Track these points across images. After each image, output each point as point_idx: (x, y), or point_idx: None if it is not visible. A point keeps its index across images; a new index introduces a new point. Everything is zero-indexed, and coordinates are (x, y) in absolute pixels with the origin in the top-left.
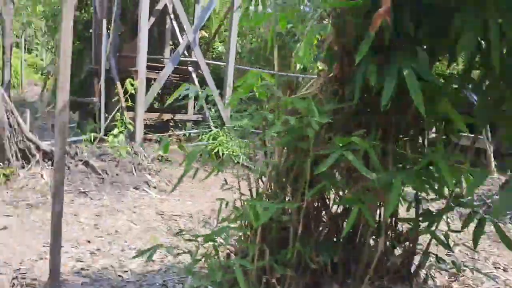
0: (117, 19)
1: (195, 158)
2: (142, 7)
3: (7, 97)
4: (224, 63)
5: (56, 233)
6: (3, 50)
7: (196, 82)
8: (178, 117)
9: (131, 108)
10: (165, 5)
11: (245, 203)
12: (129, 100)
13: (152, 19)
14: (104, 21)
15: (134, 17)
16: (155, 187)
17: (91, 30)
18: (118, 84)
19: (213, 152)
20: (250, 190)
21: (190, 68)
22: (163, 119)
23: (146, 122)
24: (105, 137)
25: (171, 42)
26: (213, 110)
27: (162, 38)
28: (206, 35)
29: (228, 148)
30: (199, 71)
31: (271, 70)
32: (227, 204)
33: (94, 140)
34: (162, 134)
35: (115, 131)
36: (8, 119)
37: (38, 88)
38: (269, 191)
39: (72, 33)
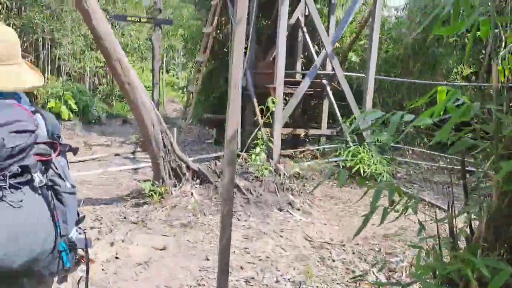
0: (254, 36)
1: (379, 197)
2: (280, 24)
3: (161, 118)
4: (360, 74)
5: (223, 269)
6: (153, 73)
7: (331, 96)
8: (312, 131)
9: (266, 124)
10: (298, 19)
11: (451, 253)
12: (266, 116)
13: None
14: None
15: (267, 33)
16: (298, 209)
17: (225, 49)
18: (255, 101)
19: (354, 170)
20: (452, 234)
21: (324, 81)
22: (294, 133)
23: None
24: (241, 153)
25: (301, 55)
26: (348, 123)
27: (294, 52)
28: (339, 45)
29: (370, 165)
30: (333, 83)
31: (408, 79)
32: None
33: None
34: (296, 150)
35: (257, 149)
36: (163, 139)
37: (176, 104)
38: (481, 240)
39: (241, 68)
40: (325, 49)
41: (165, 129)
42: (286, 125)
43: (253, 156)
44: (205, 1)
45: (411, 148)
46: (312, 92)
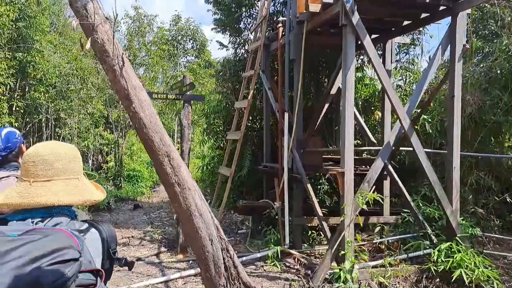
0: (300, 109)
1: None
2: (347, 94)
3: (221, 230)
4: (438, 151)
5: None
6: (182, 156)
7: (395, 175)
8: (372, 219)
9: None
10: (339, 89)
11: None
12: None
13: (326, 106)
14: (286, 114)
15: (307, 106)
16: None
17: (255, 124)
18: (309, 188)
19: (454, 277)
20: None
21: None
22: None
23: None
24: (294, 252)
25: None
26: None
27: (333, 125)
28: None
29: (474, 270)
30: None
31: (467, 151)
32: None
33: (280, 255)
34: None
35: (347, 264)
36: (224, 260)
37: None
38: None
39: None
40: (401, 123)
41: (227, 245)
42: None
43: (342, 275)
44: (227, 75)
45: (494, 235)
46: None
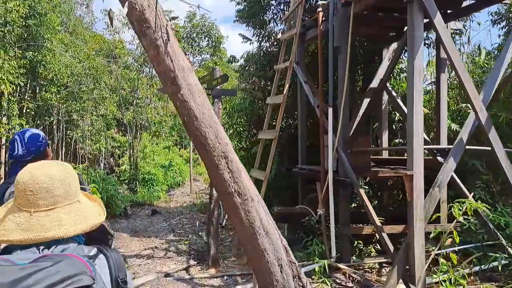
0: (347, 104)
1: None
2: (415, 88)
3: (291, 253)
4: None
5: None
6: None
7: (457, 178)
8: (428, 227)
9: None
10: (382, 81)
11: None
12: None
13: (366, 101)
14: (330, 110)
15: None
16: None
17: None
18: (363, 193)
19: None
20: None
21: (440, 158)
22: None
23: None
24: (343, 266)
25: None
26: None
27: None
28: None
29: None
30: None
31: None
32: None
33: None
34: None
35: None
36: None
37: (200, 184)
38: None
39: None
40: (477, 115)
41: (299, 271)
42: (393, 219)
43: None
44: (252, 70)
45: None
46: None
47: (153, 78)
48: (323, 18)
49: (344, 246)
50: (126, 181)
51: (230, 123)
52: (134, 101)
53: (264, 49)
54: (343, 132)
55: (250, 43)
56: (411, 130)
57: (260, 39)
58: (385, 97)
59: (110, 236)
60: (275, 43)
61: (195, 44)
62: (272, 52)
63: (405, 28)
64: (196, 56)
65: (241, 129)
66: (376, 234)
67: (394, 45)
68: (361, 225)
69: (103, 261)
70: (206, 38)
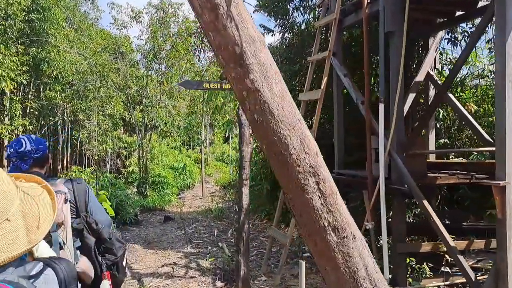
0: (401, 99)
1: None
2: (508, 77)
3: None
4: None
5: None
6: (240, 164)
7: None
8: (476, 244)
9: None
10: (428, 74)
11: None
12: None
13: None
14: (382, 107)
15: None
16: None
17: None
18: (425, 203)
19: None
20: None
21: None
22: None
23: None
24: None
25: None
26: None
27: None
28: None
29: None
30: None
31: None
32: None
33: None
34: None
35: None
36: None
37: (210, 186)
38: None
39: None
40: None
41: None
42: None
43: None
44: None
45: None
46: (469, 179)
47: (163, 75)
48: (368, 0)
49: (399, 266)
50: (135, 184)
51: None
52: (143, 100)
53: (286, 41)
54: (398, 132)
55: (272, 35)
56: (502, 130)
57: (284, 30)
58: (431, 92)
59: (121, 244)
60: (299, 33)
61: (206, 40)
62: (295, 44)
63: (456, 13)
64: (207, 52)
65: None
66: (439, 251)
67: (441, 34)
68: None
69: (50, 277)
70: None
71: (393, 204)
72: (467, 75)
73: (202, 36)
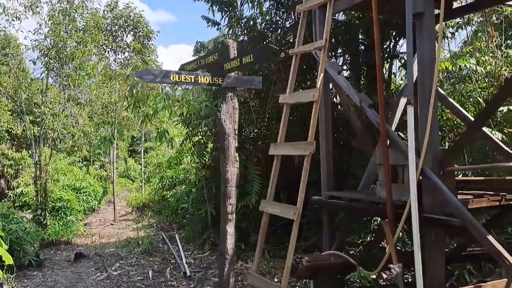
0: (435, 102)
1: None
2: None
3: None
4: None
5: None
6: (223, 184)
7: None
8: None
9: None
10: None
11: None
12: None
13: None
14: (411, 110)
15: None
16: None
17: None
18: (491, 238)
19: None
20: None
21: None
22: None
23: None
24: None
25: None
26: None
27: None
28: None
29: None
30: None
31: None
32: None
33: None
34: None
35: None
36: None
37: (123, 207)
38: None
39: None
40: None
41: None
42: None
43: None
44: None
45: None
46: (498, 201)
47: (68, 77)
48: None
49: None
50: (29, 210)
51: (189, 133)
52: (42, 107)
53: (234, 37)
54: (433, 145)
55: (218, 29)
56: None
57: (233, 24)
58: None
59: None
60: (248, 28)
61: (118, 39)
62: (248, 40)
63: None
64: (119, 54)
65: (204, 140)
66: None
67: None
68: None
69: None
70: (132, 33)
71: (426, 241)
72: None
73: (113, 34)
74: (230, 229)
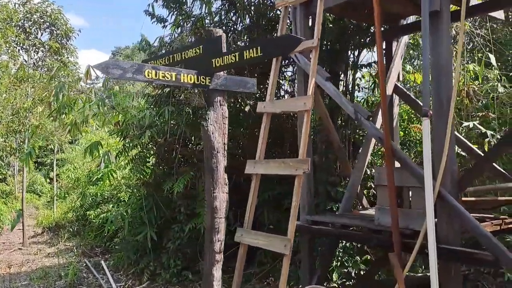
0: (451, 116)
1: None
2: None
3: None
4: None
5: None
6: (212, 219)
7: None
8: None
9: None
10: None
11: None
12: None
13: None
14: (427, 122)
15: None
16: None
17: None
18: None
19: None
20: None
21: None
22: None
23: None
24: None
25: None
26: None
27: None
28: None
29: None
30: None
31: None
32: None
33: None
34: None
35: None
36: None
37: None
38: None
39: None
40: None
41: None
42: None
43: None
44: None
45: None
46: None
47: None
48: None
49: None
50: None
51: (128, 146)
52: None
53: (181, 37)
54: (450, 163)
55: (163, 26)
56: None
57: (180, 24)
58: (395, 109)
59: None
60: (196, 29)
61: (32, 37)
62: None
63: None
64: (31, 54)
65: (148, 155)
66: None
67: (406, 38)
68: None
69: None
70: (48, 30)
71: (442, 277)
72: None
73: (25, 30)
74: (217, 273)
